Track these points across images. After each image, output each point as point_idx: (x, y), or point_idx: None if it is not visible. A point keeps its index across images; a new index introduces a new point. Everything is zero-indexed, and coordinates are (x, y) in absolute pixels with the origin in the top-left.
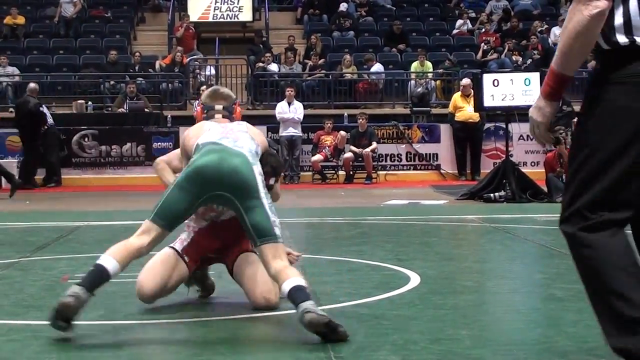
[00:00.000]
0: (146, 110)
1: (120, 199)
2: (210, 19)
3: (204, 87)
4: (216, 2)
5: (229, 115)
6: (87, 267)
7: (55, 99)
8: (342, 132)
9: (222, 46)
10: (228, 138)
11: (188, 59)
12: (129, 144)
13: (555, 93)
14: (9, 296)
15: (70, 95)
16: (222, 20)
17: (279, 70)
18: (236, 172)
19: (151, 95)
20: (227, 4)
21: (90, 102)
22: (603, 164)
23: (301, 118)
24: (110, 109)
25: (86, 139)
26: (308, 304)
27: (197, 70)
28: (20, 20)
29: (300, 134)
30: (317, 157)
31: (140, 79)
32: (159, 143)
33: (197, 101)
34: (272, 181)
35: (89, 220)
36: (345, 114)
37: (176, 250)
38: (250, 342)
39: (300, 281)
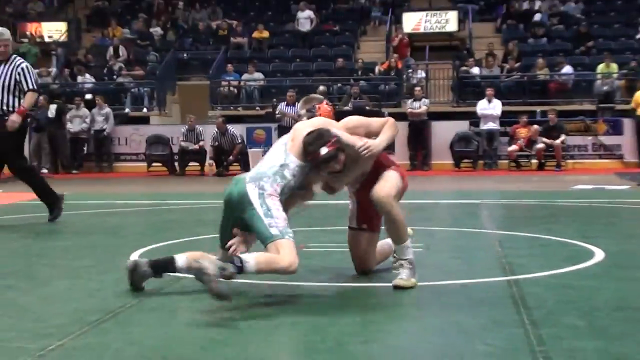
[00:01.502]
0: (367, 108)
1: None
2: (421, 30)
3: (418, 88)
4: (427, 15)
5: (312, 115)
6: (319, 238)
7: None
8: (535, 126)
9: (431, 53)
10: (261, 162)
11: (402, 64)
12: None
13: None
14: None
15: (305, 96)
16: (431, 31)
17: (480, 73)
18: (237, 196)
19: (371, 95)
20: (436, 17)
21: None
22: None
23: (499, 114)
24: (337, 107)
25: None
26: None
27: (410, 74)
28: (265, 34)
29: (498, 128)
30: (513, 147)
31: (363, 81)
32: None
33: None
34: (323, 151)
35: (320, 199)
36: (538, 110)
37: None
38: (431, 307)
39: (244, 256)
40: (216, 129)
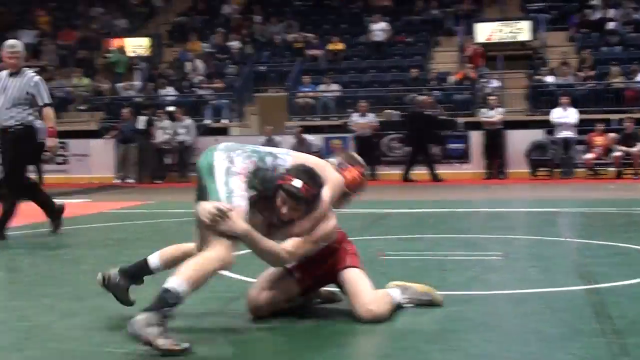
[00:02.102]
0: (441, 117)
1: (422, 191)
2: (495, 40)
3: (493, 97)
4: (499, 25)
5: (337, 169)
6: (397, 246)
7: (368, 110)
8: (612, 134)
9: (505, 62)
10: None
11: (476, 74)
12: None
13: None
14: None
15: (380, 105)
16: (504, 40)
17: (555, 81)
18: (206, 165)
19: (446, 105)
20: (509, 26)
21: (397, 111)
22: None
23: (575, 122)
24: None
25: (393, 142)
26: (140, 317)
27: (484, 83)
28: (340, 46)
29: (574, 136)
30: (590, 155)
31: (437, 91)
32: (453, 144)
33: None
34: (296, 183)
35: (398, 207)
36: (614, 118)
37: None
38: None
39: (171, 282)
40: (295, 138)
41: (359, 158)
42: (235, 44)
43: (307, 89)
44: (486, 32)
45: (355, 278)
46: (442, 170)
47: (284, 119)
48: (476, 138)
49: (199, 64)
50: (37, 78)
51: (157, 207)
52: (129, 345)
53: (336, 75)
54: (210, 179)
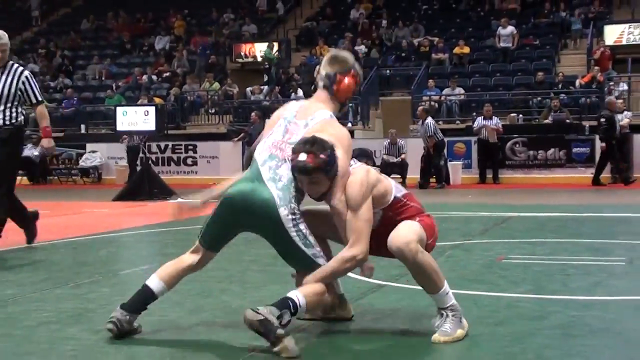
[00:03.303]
0: (567, 121)
1: (544, 195)
2: (624, 42)
3: (620, 100)
4: (629, 27)
5: (329, 85)
6: (518, 250)
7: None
8: None
9: (633, 65)
10: (274, 159)
11: (604, 77)
12: (552, 149)
13: None
14: (455, 271)
15: (504, 109)
16: (634, 42)
17: None
18: (259, 205)
19: (572, 108)
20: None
21: (520, 115)
22: None
23: None
24: (537, 120)
25: (517, 145)
26: (263, 307)
27: (612, 87)
28: (466, 50)
29: None
30: None
31: (563, 95)
32: (578, 148)
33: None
34: (301, 157)
35: (519, 211)
36: None
37: None
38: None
39: (293, 295)
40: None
41: (345, 55)
42: (361, 48)
43: (432, 93)
44: (615, 34)
45: (405, 222)
46: (566, 174)
47: (408, 122)
48: None
49: None
50: (27, 73)
51: None
52: (254, 342)
53: (461, 79)
54: (281, 234)
